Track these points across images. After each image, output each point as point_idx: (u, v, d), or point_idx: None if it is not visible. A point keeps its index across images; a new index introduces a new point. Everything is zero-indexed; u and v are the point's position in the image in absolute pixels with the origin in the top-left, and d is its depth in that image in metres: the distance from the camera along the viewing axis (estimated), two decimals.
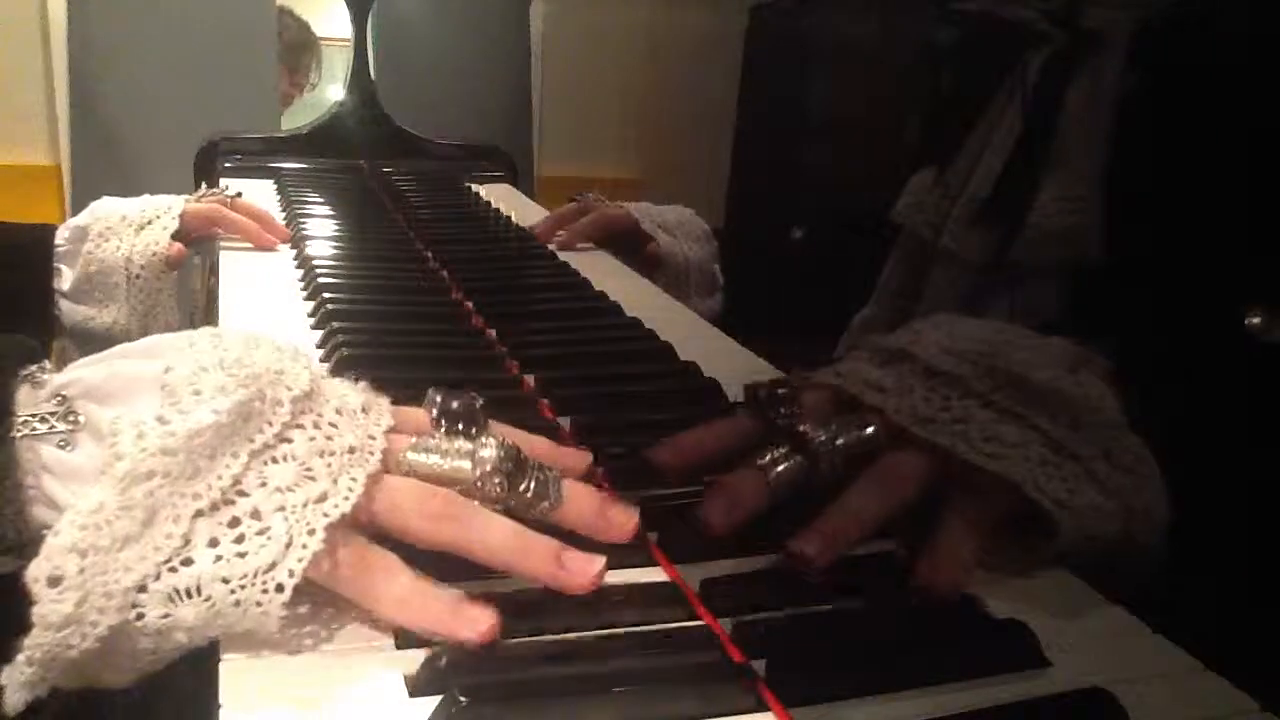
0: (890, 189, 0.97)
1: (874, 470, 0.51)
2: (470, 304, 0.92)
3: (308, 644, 0.43)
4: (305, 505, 0.42)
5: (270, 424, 0.43)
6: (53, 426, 0.45)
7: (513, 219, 1.29)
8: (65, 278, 1.04)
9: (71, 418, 0.45)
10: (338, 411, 0.46)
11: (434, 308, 0.92)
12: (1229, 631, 0.46)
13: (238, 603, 0.40)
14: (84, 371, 0.47)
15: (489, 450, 0.47)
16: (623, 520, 0.49)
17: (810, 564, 0.48)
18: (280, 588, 0.41)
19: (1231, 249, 0.67)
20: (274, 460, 0.43)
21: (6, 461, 0.44)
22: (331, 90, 2.47)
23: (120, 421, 0.41)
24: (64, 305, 1.05)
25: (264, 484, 0.42)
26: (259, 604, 0.41)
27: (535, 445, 0.53)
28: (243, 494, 0.42)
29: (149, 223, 1.06)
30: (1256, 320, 0.62)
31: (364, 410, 0.47)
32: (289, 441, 0.44)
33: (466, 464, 0.47)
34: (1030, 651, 0.45)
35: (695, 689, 0.41)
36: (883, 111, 1.02)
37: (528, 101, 1.85)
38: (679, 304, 1.01)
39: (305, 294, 0.94)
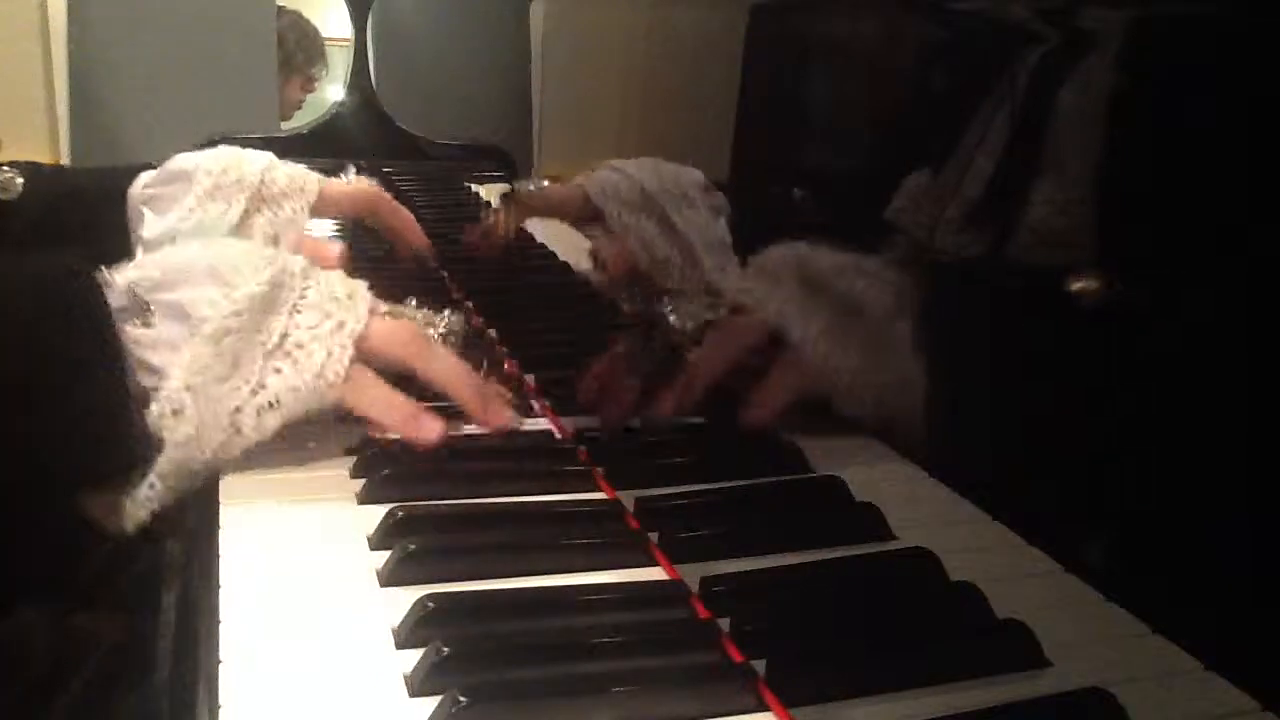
0: (889, 189, 0.97)
1: (711, 334, 0.70)
2: (470, 304, 0.92)
3: (308, 643, 0.43)
4: (331, 332, 0.59)
5: (293, 288, 0.60)
6: (133, 315, 0.57)
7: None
8: (150, 224, 0.90)
9: (145, 306, 0.57)
10: (329, 276, 0.62)
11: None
12: (1229, 631, 0.46)
13: (304, 404, 0.58)
14: (143, 271, 0.59)
15: (444, 320, 0.68)
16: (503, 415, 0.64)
17: (664, 413, 0.66)
18: (332, 385, 0.58)
19: (1230, 249, 0.67)
20: (299, 310, 0.59)
21: (116, 342, 0.56)
22: (331, 90, 2.47)
23: (196, 298, 0.57)
24: (138, 253, 0.85)
25: (299, 327, 0.59)
26: (319, 394, 0.58)
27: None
28: (287, 336, 0.58)
29: (273, 197, 0.91)
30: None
31: (344, 275, 0.64)
32: (306, 297, 0.60)
33: (429, 329, 0.67)
34: (1030, 651, 0.45)
35: (695, 689, 0.41)
36: (884, 111, 1.02)
37: (528, 101, 1.85)
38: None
39: None
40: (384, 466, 0.57)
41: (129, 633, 0.69)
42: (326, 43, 2.58)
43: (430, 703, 0.39)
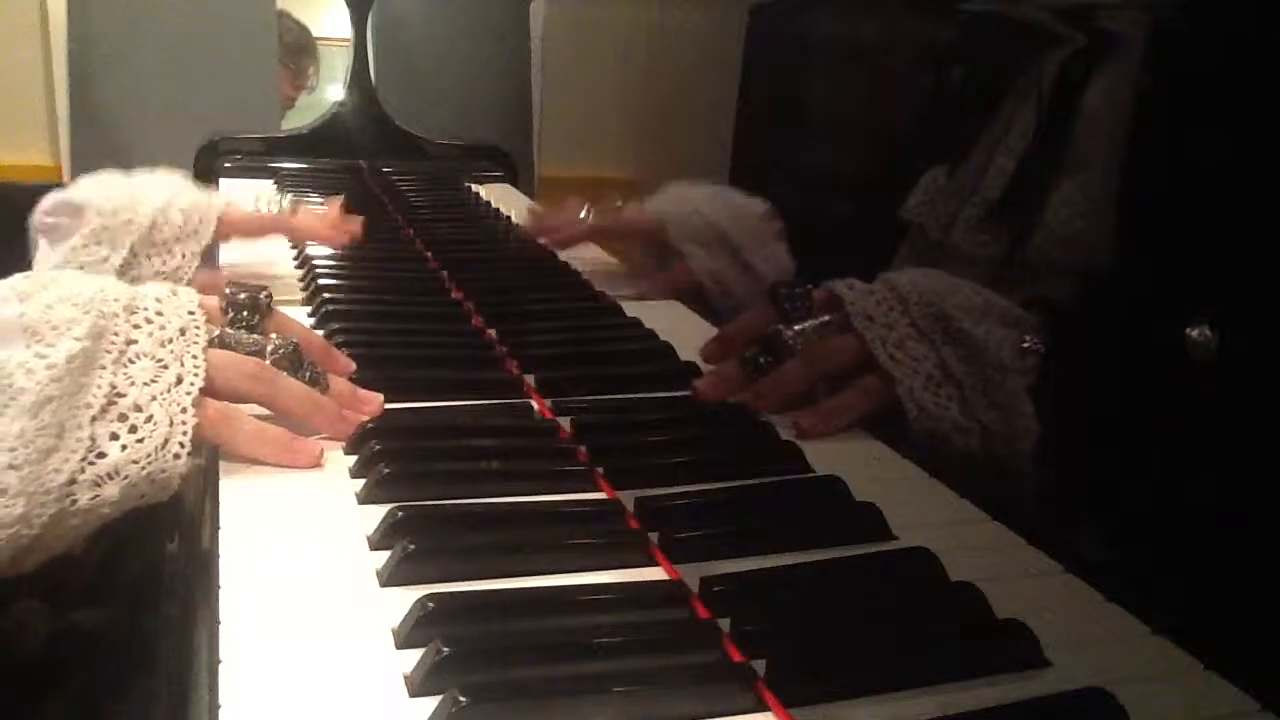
0: (893, 189, 0.97)
1: (809, 348, 0.71)
2: (470, 304, 0.92)
3: (308, 643, 0.43)
4: (169, 390, 0.55)
5: (117, 334, 0.55)
6: None
7: (513, 219, 1.29)
8: (42, 254, 0.88)
9: None
10: (158, 303, 0.58)
11: (434, 308, 0.92)
12: (1229, 631, 0.46)
13: (149, 476, 0.53)
14: None
15: (272, 346, 0.62)
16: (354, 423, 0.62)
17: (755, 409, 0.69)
18: (178, 456, 0.54)
19: (1241, 251, 0.67)
20: (130, 361, 0.55)
21: None
22: (331, 90, 2.47)
23: (8, 365, 0.51)
24: None
25: (132, 382, 0.54)
26: (164, 472, 0.54)
27: (313, 340, 0.69)
28: (120, 395, 0.54)
29: (165, 242, 0.89)
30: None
31: (174, 294, 0.60)
32: (135, 343, 0.56)
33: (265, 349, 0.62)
34: (1030, 651, 0.45)
35: (695, 689, 0.41)
36: (885, 112, 1.02)
37: (528, 101, 1.85)
38: (679, 304, 1.01)
39: (305, 294, 0.94)
40: (384, 466, 0.57)
41: (129, 633, 0.69)
42: (326, 43, 2.57)
43: (430, 703, 0.39)
